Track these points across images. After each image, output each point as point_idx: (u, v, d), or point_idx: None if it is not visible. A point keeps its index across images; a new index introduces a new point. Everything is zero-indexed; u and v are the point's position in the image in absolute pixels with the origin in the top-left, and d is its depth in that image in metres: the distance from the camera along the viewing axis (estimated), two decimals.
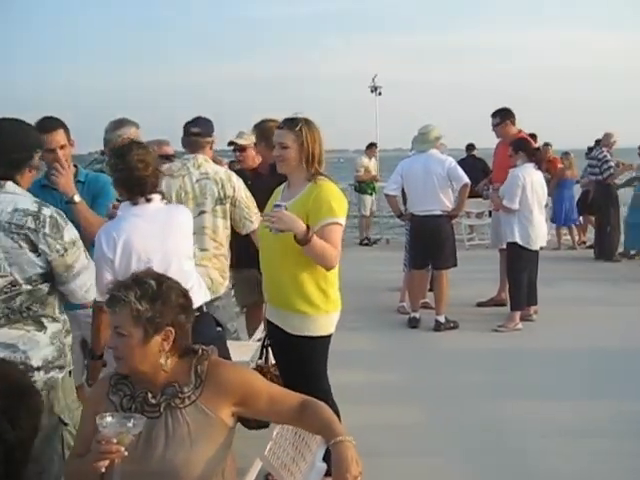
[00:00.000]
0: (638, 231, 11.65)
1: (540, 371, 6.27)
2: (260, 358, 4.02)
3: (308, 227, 3.52)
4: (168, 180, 4.47)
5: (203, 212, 4.58)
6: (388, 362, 6.58)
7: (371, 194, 14.64)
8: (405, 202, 8.03)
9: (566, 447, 4.61)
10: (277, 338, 3.89)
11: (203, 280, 4.52)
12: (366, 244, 14.51)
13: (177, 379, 2.41)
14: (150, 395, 2.40)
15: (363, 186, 14.65)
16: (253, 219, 4.72)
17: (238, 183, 4.77)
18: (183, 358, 2.46)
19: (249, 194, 4.82)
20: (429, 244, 7.55)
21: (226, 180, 4.70)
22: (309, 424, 2.46)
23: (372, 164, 14.92)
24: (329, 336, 3.83)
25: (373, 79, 22.81)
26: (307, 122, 3.73)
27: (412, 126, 8.00)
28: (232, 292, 5.32)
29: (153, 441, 2.35)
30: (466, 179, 7.49)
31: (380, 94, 22.10)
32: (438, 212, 7.47)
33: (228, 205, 4.69)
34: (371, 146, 15.15)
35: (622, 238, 11.94)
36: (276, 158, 3.79)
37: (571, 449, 4.59)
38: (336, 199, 3.68)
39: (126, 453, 2.18)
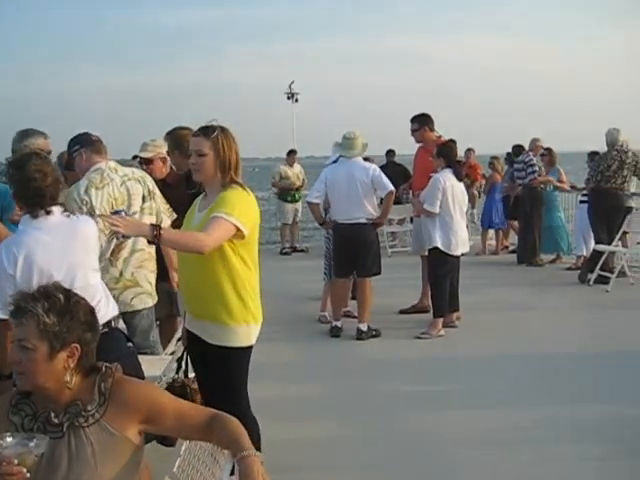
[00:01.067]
0: (550, 234, 11.82)
1: (464, 378, 6.24)
2: (178, 372, 3.93)
3: (153, 225, 3.41)
4: (96, 193, 4.47)
5: (135, 213, 4.59)
6: (309, 373, 6.44)
7: (292, 202, 14.40)
8: (328, 210, 7.94)
9: (491, 455, 4.56)
10: (196, 348, 3.80)
11: (144, 286, 4.75)
12: (285, 253, 14.34)
13: (80, 397, 2.34)
14: (53, 414, 2.32)
15: (284, 194, 14.42)
16: (167, 214, 4.89)
17: (151, 179, 4.92)
18: (87, 376, 2.39)
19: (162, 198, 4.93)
20: (353, 252, 7.45)
21: (144, 177, 4.83)
22: (218, 439, 2.39)
23: (295, 171, 14.55)
24: (249, 348, 3.75)
25: (290, 86, 22.63)
26: (223, 130, 3.68)
27: (329, 133, 7.88)
28: None
29: (56, 462, 2.27)
30: (391, 187, 7.42)
31: (297, 101, 21.97)
32: (363, 220, 7.38)
33: (152, 202, 4.78)
34: (291, 153, 14.76)
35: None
36: (192, 166, 3.70)
37: (497, 457, 4.54)
38: (238, 202, 3.58)
39: (28, 475, 2.11)
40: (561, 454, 4.55)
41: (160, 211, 4.85)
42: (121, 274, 4.68)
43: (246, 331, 3.69)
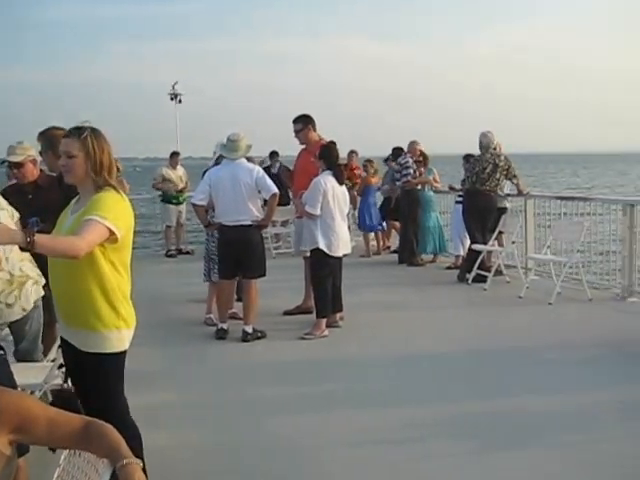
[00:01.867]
0: (428, 234, 12.19)
1: (348, 378, 6.27)
2: (66, 380, 3.85)
3: (26, 231, 3.27)
4: None
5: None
6: (195, 377, 6.40)
7: (176, 204, 14.26)
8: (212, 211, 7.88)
9: (370, 454, 4.59)
10: (70, 356, 3.75)
11: (33, 276, 4.68)
12: (171, 255, 14.20)
13: None
14: None
15: (167, 196, 14.26)
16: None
17: None
18: None
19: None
20: (239, 254, 7.46)
21: None
22: (95, 447, 2.34)
23: (178, 174, 14.38)
24: (122, 353, 3.70)
25: (173, 86, 22.38)
26: (94, 130, 3.61)
27: (212, 134, 7.84)
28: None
29: None
30: (275, 189, 7.47)
31: (180, 102, 21.74)
32: (247, 222, 7.40)
33: None
34: (174, 155, 14.57)
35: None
36: (62, 168, 3.64)
37: (376, 455, 4.57)
38: (112, 206, 3.51)
39: None
40: (440, 451, 4.62)
41: None
42: (11, 274, 4.63)
43: (118, 336, 3.63)
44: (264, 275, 7.66)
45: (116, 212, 3.50)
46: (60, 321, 3.79)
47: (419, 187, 12.05)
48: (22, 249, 3.29)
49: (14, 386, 3.38)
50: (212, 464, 4.54)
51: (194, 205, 7.82)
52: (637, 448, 4.53)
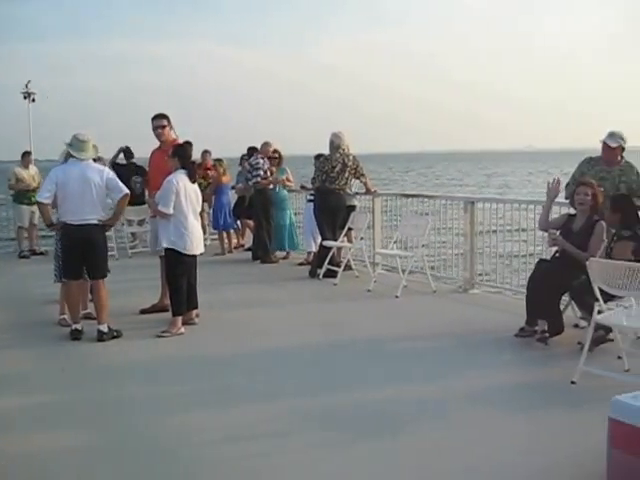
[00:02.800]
0: (281, 232, 12.49)
1: (207, 375, 6.31)
2: None
3: None
4: None
5: None
6: (50, 380, 6.27)
7: (28, 204, 13.83)
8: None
9: (233, 451, 4.65)
10: None
11: None
12: (24, 257, 13.80)
13: None
14: None
15: (19, 196, 13.90)
16: None
17: None
18: None
19: None
20: (85, 254, 7.42)
21: None
22: None
23: (30, 173, 14.07)
24: None
25: (26, 85, 21.80)
26: None
27: (62, 135, 7.74)
28: None
29: None
30: (126, 190, 7.49)
31: (34, 100, 21.20)
32: (94, 221, 7.37)
33: None
34: (25, 155, 14.24)
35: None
36: None
37: (239, 452, 4.62)
38: None
39: None
40: (298, 444, 4.71)
41: None
42: None
43: None
44: (105, 276, 7.62)
45: None
46: None
47: (271, 186, 12.30)
48: None
49: None
50: (69, 467, 4.48)
51: (39, 203, 7.65)
52: (487, 436, 4.78)
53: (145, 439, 4.90)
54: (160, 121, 8.39)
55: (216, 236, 13.92)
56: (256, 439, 4.82)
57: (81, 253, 7.43)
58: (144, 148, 8.73)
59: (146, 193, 11.08)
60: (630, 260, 6.05)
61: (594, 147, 7.77)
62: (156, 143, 8.55)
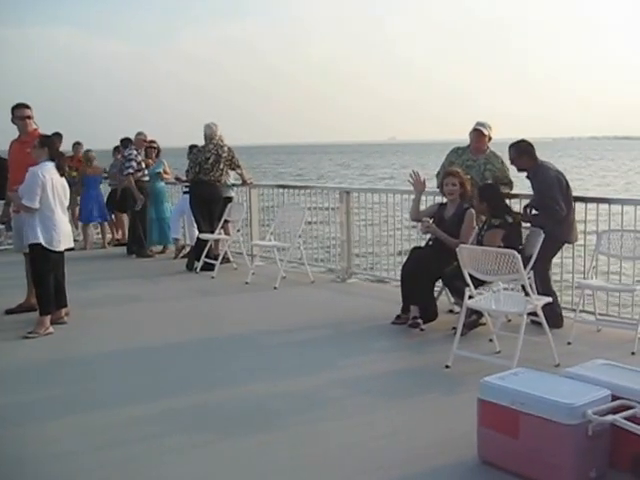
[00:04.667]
0: (158, 226, 12.27)
1: (78, 377, 6.08)
2: None
3: None
4: None
5: None
6: None
7: None
8: None
9: (102, 458, 4.46)
10: None
11: None
12: None
13: None
14: None
15: None
16: None
17: None
18: None
19: None
20: None
21: None
22: None
23: None
24: None
25: None
26: None
27: None
28: None
29: None
30: None
31: None
32: None
33: None
34: None
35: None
36: None
37: (111, 458, 4.45)
38: None
39: None
40: (174, 445, 4.58)
41: None
42: None
43: None
44: None
45: None
46: None
47: (146, 179, 12.02)
48: None
49: None
50: None
51: None
52: (362, 423, 4.82)
53: (9, 448, 4.68)
54: (24, 111, 7.98)
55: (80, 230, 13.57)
56: (128, 442, 4.67)
57: None
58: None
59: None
60: (500, 247, 6.20)
61: (455, 139, 8.00)
62: (11, 135, 8.14)
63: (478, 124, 7.72)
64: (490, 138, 7.76)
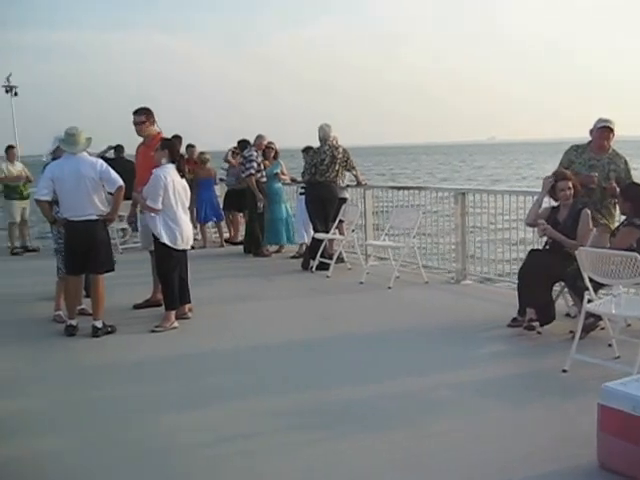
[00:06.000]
0: (273, 227, 12.46)
1: (202, 371, 6.26)
2: None
3: None
4: None
5: None
6: (43, 377, 6.29)
7: (20, 199, 13.81)
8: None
9: (228, 452, 4.57)
10: None
11: None
12: (16, 253, 13.82)
13: None
14: None
15: (8, 191, 13.81)
16: None
17: None
18: None
19: None
20: (85, 249, 7.43)
21: None
22: None
23: (17, 168, 13.97)
24: None
25: (7, 78, 21.66)
26: None
27: (51, 130, 7.71)
28: None
29: None
30: (120, 182, 7.46)
31: (16, 94, 21.07)
32: (93, 216, 7.39)
33: None
34: (9, 149, 14.11)
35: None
36: None
37: (239, 451, 4.57)
38: None
39: None
40: (298, 439, 4.68)
41: None
42: None
43: None
44: (112, 270, 7.67)
45: None
46: None
47: (264, 180, 12.31)
48: None
49: None
50: (62, 467, 4.46)
51: (38, 201, 7.66)
52: (476, 425, 4.82)
53: (140, 438, 4.87)
54: (138, 117, 8.29)
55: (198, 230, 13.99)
56: (252, 436, 4.78)
57: (83, 248, 7.44)
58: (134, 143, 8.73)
59: None
60: (631, 247, 6.07)
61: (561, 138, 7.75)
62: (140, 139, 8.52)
63: (603, 121, 7.38)
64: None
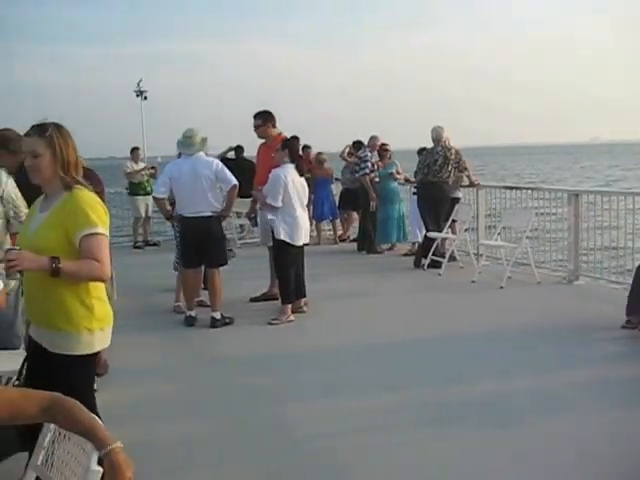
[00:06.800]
0: (385, 226, 12.58)
1: (319, 364, 6.43)
2: (19, 378, 3.77)
3: (52, 258, 3.33)
4: None
5: None
6: (166, 365, 6.58)
7: (144, 195, 14.45)
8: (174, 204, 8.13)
9: (361, 442, 4.66)
10: (37, 357, 3.61)
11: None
12: (138, 247, 14.49)
13: None
14: None
15: (134, 188, 14.57)
16: (22, 219, 4.64)
17: (9, 182, 4.82)
18: None
19: (19, 194, 4.84)
20: (200, 244, 7.73)
21: None
22: (64, 424, 2.41)
23: (140, 168, 14.74)
24: (94, 354, 3.63)
25: (138, 83, 22.86)
26: (57, 127, 3.49)
27: (178, 131, 8.11)
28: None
29: None
30: (234, 181, 7.73)
31: (146, 98, 22.21)
32: (208, 213, 7.68)
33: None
34: (134, 150, 14.92)
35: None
36: (28, 168, 3.52)
37: (367, 444, 4.63)
38: (92, 208, 3.46)
39: None
40: (422, 435, 4.72)
41: (11, 217, 4.82)
42: None
43: (88, 338, 3.52)
44: (225, 264, 7.94)
45: (99, 215, 3.47)
46: (31, 321, 3.74)
47: (377, 179, 12.49)
48: (51, 274, 3.33)
49: None
50: (195, 456, 4.55)
51: (155, 198, 8.09)
52: (599, 425, 4.81)
53: (263, 428, 4.98)
54: (257, 121, 8.58)
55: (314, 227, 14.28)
56: (371, 430, 4.86)
57: (198, 243, 7.75)
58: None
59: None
60: None
61: None
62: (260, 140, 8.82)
63: None
64: None
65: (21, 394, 2.43)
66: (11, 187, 4.80)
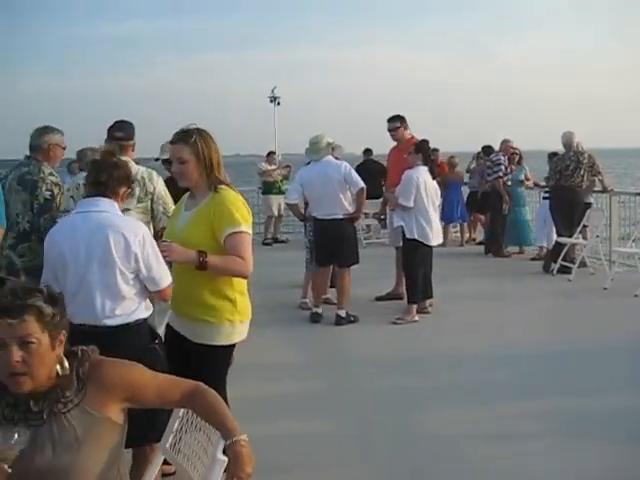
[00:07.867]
0: (516, 227, 12.43)
1: (440, 364, 6.41)
2: None
3: (199, 252, 3.53)
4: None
5: (127, 210, 4.64)
6: (292, 361, 6.68)
7: (277, 194, 14.90)
8: (307, 206, 8.40)
9: (481, 448, 4.61)
10: (176, 345, 3.76)
11: None
12: (267, 244, 14.86)
13: (59, 383, 2.32)
14: (32, 403, 2.28)
15: (268, 187, 15.10)
16: (170, 214, 4.79)
17: (159, 181, 5.06)
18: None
19: (167, 191, 5.09)
20: (333, 245, 7.86)
21: (147, 178, 4.97)
22: (200, 412, 2.50)
23: (274, 167, 15.44)
24: (232, 346, 3.81)
25: (272, 90, 23.95)
26: (200, 132, 3.70)
27: (307, 133, 8.36)
28: None
29: (39, 449, 2.25)
30: (362, 183, 7.88)
31: (279, 104, 23.24)
32: (340, 215, 7.83)
33: (149, 202, 4.98)
34: (270, 154, 15.95)
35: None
36: (175, 175, 3.78)
37: (485, 450, 4.57)
38: (237, 208, 3.65)
39: (10, 470, 2.14)
40: (550, 443, 4.62)
41: (161, 212, 5.00)
42: None
43: (229, 330, 3.70)
44: (357, 263, 8.04)
45: (243, 214, 3.66)
46: (173, 311, 3.89)
47: (509, 183, 12.36)
48: (197, 268, 3.53)
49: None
50: (316, 454, 4.56)
51: (289, 205, 8.47)
52: None
53: (396, 430, 4.97)
54: (392, 124, 8.78)
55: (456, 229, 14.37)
56: (498, 437, 4.79)
57: (331, 244, 7.90)
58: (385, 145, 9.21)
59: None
60: None
61: None
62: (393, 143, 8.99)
63: None
64: None
65: (168, 381, 2.54)
66: (161, 185, 5.06)
